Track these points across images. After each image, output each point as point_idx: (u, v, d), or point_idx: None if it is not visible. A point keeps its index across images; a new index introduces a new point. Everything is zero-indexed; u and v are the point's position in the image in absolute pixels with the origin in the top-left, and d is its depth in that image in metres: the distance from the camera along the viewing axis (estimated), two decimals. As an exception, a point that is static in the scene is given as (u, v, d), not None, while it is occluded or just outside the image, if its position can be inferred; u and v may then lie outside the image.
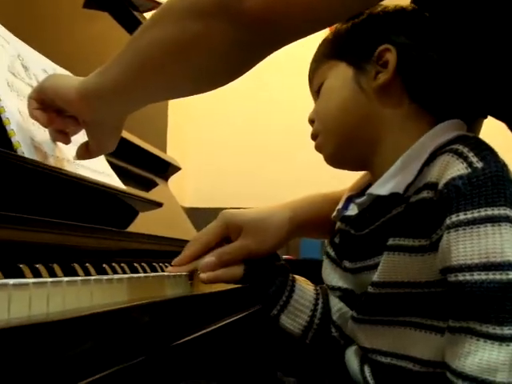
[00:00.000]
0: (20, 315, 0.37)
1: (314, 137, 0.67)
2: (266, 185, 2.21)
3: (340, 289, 0.68)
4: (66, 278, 0.44)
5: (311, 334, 0.70)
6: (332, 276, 0.69)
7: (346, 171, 0.68)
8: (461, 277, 0.49)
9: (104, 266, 0.59)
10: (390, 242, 0.57)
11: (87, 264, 0.56)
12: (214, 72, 0.55)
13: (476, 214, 0.49)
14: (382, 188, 0.59)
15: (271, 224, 0.71)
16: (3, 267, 0.45)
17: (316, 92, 0.67)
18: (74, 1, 0.96)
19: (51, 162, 0.66)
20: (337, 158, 0.66)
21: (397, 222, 0.57)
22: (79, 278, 0.47)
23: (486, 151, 0.52)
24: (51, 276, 0.48)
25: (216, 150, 2.36)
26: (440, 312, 0.54)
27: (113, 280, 0.51)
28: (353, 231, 0.65)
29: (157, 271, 0.72)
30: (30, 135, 0.64)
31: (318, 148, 0.67)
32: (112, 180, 0.81)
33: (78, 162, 0.71)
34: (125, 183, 0.85)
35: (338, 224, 0.69)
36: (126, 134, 0.91)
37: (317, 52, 0.68)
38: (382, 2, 0.60)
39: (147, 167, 1.11)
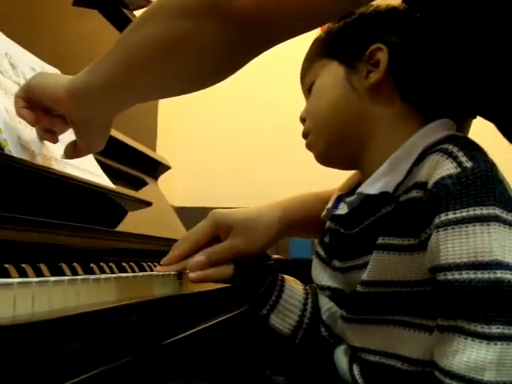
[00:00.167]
0: (4, 315, 0.37)
1: (305, 135, 0.67)
2: (256, 184, 2.20)
3: (330, 288, 0.68)
4: (52, 278, 0.44)
5: (301, 334, 0.70)
6: (322, 275, 0.69)
7: (337, 170, 0.68)
8: (449, 276, 0.49)
9: (92, 265, 0.59)
10: (380, 240, 0.57)
11: (75, 264, 0.56)
12: (203, 71, 0.55)
13: (465, 214, 0.50)
14: (371, 187, 0.59)
15: (261, 224, 0.70)
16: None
17: (307, 90, 0.67)
18: (63, -2, 0.95)
19: (39, 160, 0.65)
20: (327, 157, 0.66)
21: (386, 221, 0.58)
22: (66, 277, 0.46)
23: (475, 151, 0.52)
24: (38, 276, 0.48)
25: (206, 149, 2.35)
26: (429, 311, 0.54)
27: (100, 279, 0.50)
28: (342, 230, 0.65)
29: (145, 271, 0.72)
30: (17, 134, 0.64)
31: (309, 146, 0.67)
32: (101, 179, 0.80)
33: (65, 160, 0.70)
34: (114, 182, 0.84)
35: (328, 223, 0.69)
36: (115, 133, 0.91)
37: (309, 51, 0.68)
38: (373, 2, 0.60)
39: (137, 166, 1.11)
